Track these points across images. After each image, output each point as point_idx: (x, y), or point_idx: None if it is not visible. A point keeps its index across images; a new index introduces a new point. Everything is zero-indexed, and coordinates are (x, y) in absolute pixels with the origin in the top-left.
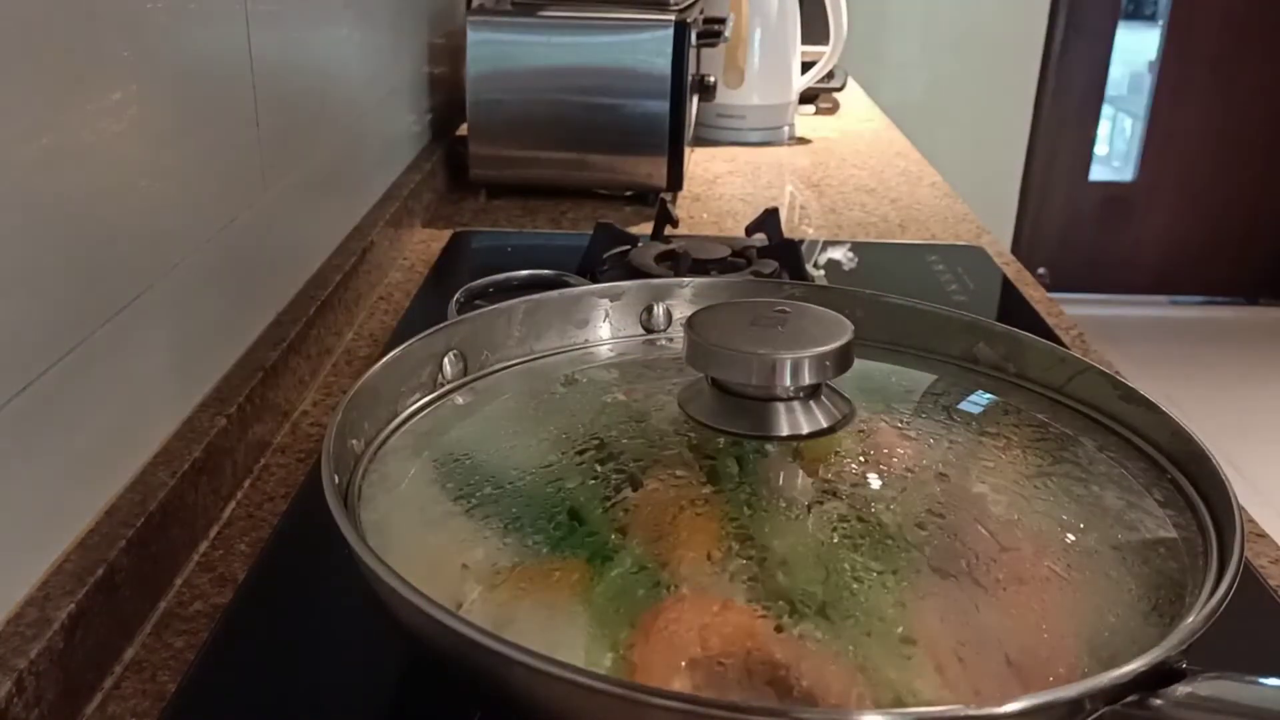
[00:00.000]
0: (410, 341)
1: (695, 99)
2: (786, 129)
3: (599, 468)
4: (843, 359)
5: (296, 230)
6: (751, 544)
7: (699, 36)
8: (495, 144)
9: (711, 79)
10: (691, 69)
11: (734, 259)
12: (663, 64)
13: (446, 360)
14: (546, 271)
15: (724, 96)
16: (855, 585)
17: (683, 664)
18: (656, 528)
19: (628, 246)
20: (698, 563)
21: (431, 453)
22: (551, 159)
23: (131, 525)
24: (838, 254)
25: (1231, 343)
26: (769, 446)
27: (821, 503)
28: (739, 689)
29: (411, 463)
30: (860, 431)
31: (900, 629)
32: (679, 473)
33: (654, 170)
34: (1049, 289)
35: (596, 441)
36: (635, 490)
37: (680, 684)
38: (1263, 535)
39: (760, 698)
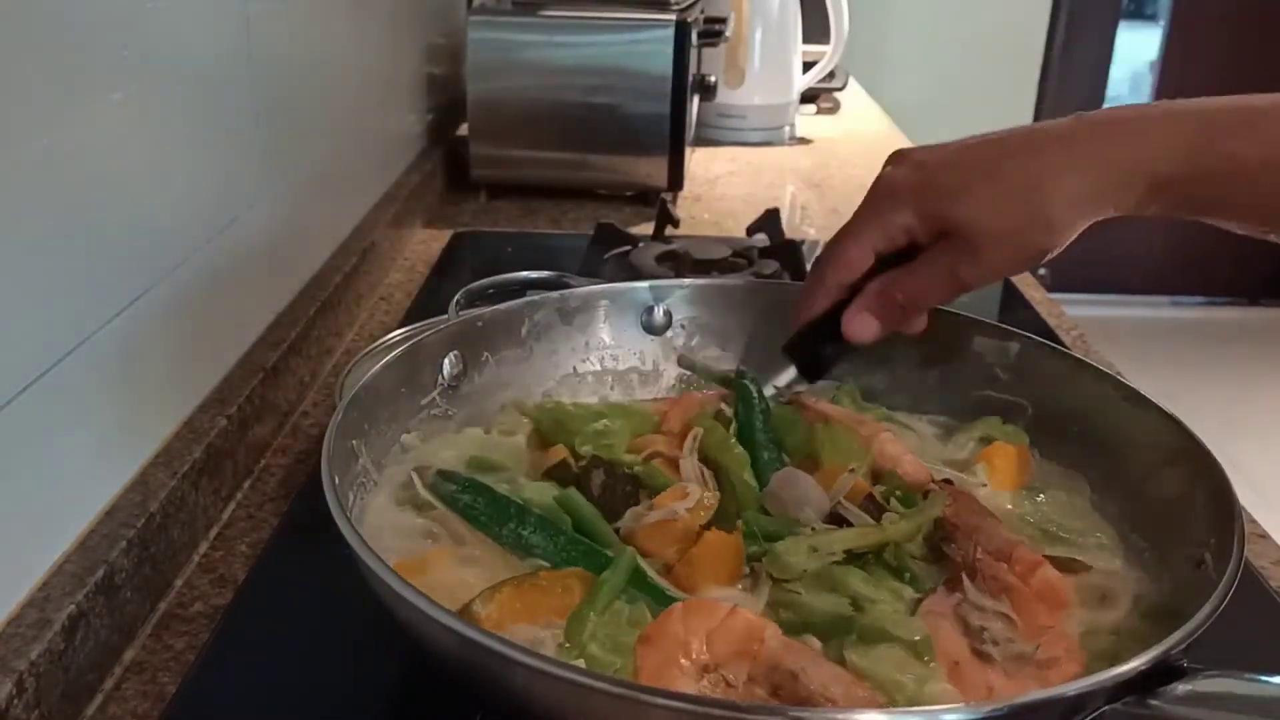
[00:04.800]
0: (411, 342)
1: (696, 99)
2: (787, 129)
3: (601, 469)
4: None
5: (297, 230)
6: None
7: (700, 36)
8: (496, 144)
9: (712, 79)
10: (692, 69)
11: (735, 259)
12: (663, 64)
13: (447, 361)
14: (547, 272)
15: (725, 96)
16: (861, 589)
17: (685, 665)
18: (663, 537)
19: (628, 247)
20: (704, 570)
21: (432, 454)
22: (552, 159)
23: (131, 526)
24: None
25: (1232, 343)
26: (785, 458)
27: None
28: (743, 691)
29: (412, 464)
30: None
31: (902, 629)
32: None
33: (654, 170)
34: (1050, 289)
35: (598, 444)
36: (641, 498)
37: (683, 685)
38: (1263, 536)
39: (762, 699)
